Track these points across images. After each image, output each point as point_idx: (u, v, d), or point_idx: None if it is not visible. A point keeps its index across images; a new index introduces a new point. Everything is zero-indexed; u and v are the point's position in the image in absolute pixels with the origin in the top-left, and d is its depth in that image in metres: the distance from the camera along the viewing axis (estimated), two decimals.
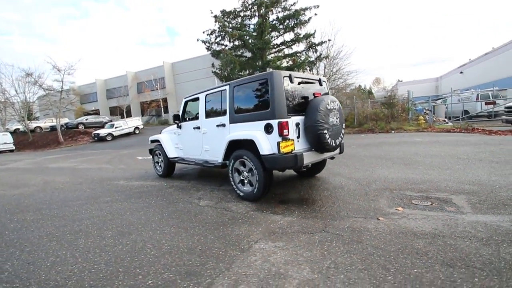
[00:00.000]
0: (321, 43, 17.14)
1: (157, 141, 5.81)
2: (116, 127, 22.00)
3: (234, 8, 18.07)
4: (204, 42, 18.04)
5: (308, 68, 17.53)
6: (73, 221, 3.34)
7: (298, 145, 3.42)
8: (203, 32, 17.73)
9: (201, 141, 4.52)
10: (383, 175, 4.49)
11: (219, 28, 17.33)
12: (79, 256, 2.39)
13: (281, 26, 17.29)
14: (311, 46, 17.20)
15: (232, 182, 3.85)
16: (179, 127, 5.07)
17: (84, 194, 4.75)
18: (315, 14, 17.13)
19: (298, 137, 3.43)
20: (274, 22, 17.23)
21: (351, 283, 1.75)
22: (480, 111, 15.41)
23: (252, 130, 3.52)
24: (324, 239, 2.39)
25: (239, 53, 18.04)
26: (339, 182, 4.28)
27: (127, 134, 23.30)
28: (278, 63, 17.32)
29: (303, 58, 16.63)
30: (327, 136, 3.40)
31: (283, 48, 18.15)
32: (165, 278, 1.95)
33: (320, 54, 17.40)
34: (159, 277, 1.96)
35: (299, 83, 3.64)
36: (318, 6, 16.95)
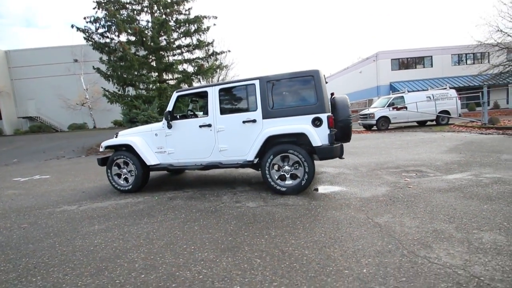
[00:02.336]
0: (221, 52, 17.86)
1: (123, 146, 4.47)
2: None
3: None
4: (83, 30, 14.52)
5: (211, 75, 17.83)
6: (120, 257, 2.21)
7: None
8: (84, 19, 14.26)
9: (214, 140, 4.00)
10: (354, 162, 5.64)
11: (105, 17, 14.48)
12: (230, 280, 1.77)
13: (181, 30, 16.65)
14: (212, 54, 17.61)
15: (270, 179, 3.72)
16: (169, 126, 4.19)
17: (39, 231, 3.02)
18: (214, 24, 17.73)
19: None
20: (172, 24, 16.36)
21: (480, 221, 2.42)
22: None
23: (297, 124, 3.61)
24: (406, 205, 2.97)
25: (132, 50, 15.75)
26: (336, 171, 5.02)
27: None
28: (180, 67, 16.58)
29: (208, 64, 16.69)
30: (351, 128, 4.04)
31: (183, 52, 17.51)
32: (370, 262, 1.89)
33: (221, 63, 18.13)
34: (371, 267, 1.87)
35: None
36: (216, 17, 17.61)
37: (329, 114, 3.57)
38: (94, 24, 14.59)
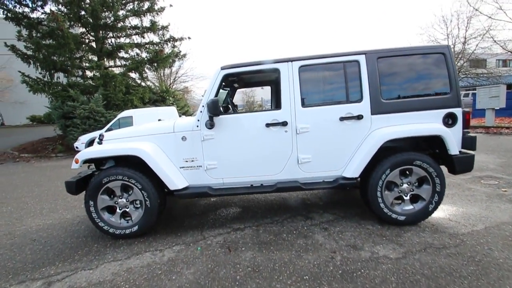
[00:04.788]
0: (181, 38, 15.47)
1: (112, 159, 2.58)
2: None
3: None
4: None
5: (168, 65, 15.32)
6: None
7: None
8: None
9: (291, 146, 2.53)
10: None
11: None
12: None
13: (129, 7, 13.68)
14: (169, 40, 15.09)
15: (382, 204, 2.50)
16: (212, 125, 2.52)
17: None
18: (170, 5, 15.24)
19: None
20: None
21: None
22: None
23: (426, 123, 2.48)
24: None
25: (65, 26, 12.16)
26: None
27: None
28: (130, 51, 13.68)
29: (167, 51, 14.14)
30: None
31: (132, 35, 14.47)
32: None
33: (180, 51, 15.73)
34: None
35: None
36: None
37: (465, 109, 2.55)
38: None
